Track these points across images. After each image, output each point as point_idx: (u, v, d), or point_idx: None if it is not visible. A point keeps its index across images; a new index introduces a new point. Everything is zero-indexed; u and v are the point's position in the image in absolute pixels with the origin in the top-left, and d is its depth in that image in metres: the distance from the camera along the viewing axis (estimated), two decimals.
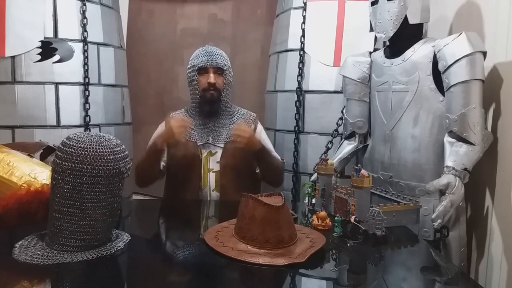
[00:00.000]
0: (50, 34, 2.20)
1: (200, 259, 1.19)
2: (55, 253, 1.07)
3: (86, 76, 2.30)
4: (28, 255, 1.06)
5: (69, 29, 2.26)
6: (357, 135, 1.92)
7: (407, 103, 1.65)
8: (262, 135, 1.92)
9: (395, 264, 1.23)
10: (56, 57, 2.20)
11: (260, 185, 1.97)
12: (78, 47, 2.28)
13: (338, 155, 1.95)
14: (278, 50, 2.52)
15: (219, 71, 1.79)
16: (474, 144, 1.47)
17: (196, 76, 1.79)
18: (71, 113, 2.27)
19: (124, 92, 2.64)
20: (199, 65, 1.78)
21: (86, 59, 2.30)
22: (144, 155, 1.79)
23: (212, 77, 1.76)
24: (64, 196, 1.07)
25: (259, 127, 1.93)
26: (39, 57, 2.18)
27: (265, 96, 2.71)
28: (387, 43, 1.78)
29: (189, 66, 1.84)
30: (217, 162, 1.79)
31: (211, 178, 1.78)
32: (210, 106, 1.81)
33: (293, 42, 2.37)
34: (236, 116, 1.88)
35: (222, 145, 1.80)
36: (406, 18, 1.60)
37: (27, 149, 1.69)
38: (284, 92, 2.44)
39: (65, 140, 1.11)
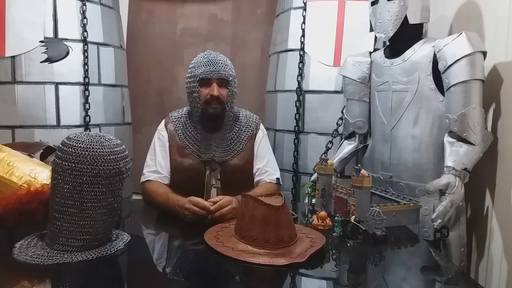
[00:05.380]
0: (50, 34, 2.20)
1: (200, 259, 1.19)
2: (55, 253, 1.07)
3: (86, 76, 2.30)
4: (28, 255, 1.06)
5: (69, 29, 2.26)
6: (357, 135, 1.92)
7: (407, 103, 1.65)
8: (262, 143, 1.75)
9: (395, 264, 1.23)
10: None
11: None
12: (78, 47, 2.28)
13: (338, 155, 1.95)
14: (278, 50, 2.52)
15: (224, 82, 1.62)
16: (474, 144, 1.47)
17: (197, 87, 1.61)
18: (71, 113, 2.27)
19: (124, 92, 2.64)
20: (201, 76, 1.60)
21: (86, 59, 2.30)
22: (158, 200, 1.58)
23: (215, 89, 1.59)
24: (64, 196, 1.07)
25: (261, 133, 1.77)
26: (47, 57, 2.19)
27: (265, 96, 2.71)
28: (387, 43, 1.78)
29: (189, 75, 1.65)
30: (218, 179, 1.68)
31: (214, 194, 1.68)
32: (212, 122, 1.65)
33: (293, 42, 2.37)
34: (238, 125, 1.72)
35: (222, 161, 1.66)
36: (406, 18, 1.60)
37: (27, 149, 1.69)
38: (284, 92, 2.44)
39: (65, 140, 1.12)
